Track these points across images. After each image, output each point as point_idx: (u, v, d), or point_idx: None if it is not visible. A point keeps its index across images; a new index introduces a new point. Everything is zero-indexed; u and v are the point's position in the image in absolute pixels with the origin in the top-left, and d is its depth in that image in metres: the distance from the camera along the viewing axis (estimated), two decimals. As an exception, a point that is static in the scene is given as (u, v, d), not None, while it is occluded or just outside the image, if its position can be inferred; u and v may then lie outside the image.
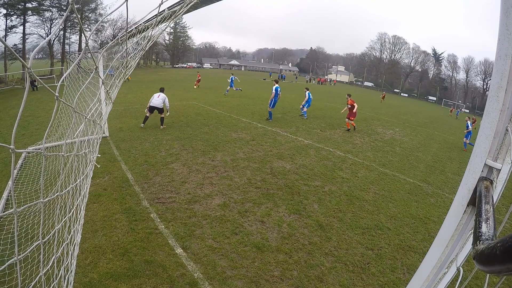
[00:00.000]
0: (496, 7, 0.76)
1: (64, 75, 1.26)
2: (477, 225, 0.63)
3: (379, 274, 3.14)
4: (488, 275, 0.67)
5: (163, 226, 3.68)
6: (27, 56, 29.09)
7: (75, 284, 2.67)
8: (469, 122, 11.01)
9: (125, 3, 1.32)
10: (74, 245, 1.52)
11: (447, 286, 0.95)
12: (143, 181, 4.96)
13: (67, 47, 34.93)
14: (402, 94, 63.22)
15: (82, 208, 1.71)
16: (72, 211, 1.49)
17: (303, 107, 12.44)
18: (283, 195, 4.81)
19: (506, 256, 0.35)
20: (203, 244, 3.39)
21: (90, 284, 2.69)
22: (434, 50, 69.81)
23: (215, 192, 4.73)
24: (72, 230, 1.55)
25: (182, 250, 3.25)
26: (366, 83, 69.25)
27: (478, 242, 0.57)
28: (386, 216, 4.44)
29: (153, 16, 3.75)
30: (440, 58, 69.87)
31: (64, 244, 1.39)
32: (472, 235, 0.65)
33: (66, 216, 1.41)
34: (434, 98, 58.37)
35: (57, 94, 0.98)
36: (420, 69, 71.90)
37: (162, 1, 1.93)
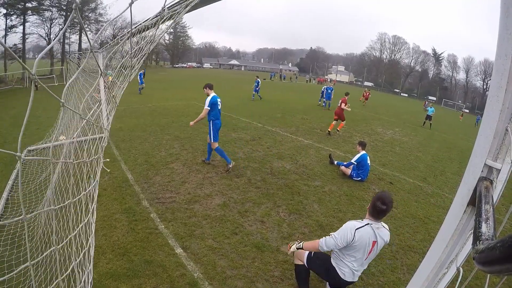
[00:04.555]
0: (496, 7, 0.76)
1: (69, 81, 1.26)
2: (477, 225, 0.63)
3: (379, 274, 3.14)
4: (488, 275, 0.67)
5: (163, 226, 3.68)
6: (26, 56, 29.08)
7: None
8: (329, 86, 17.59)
9: (129, 8, 1.32)
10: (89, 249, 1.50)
11: (447, 286, 0.95)
12: (143, 181, 4.96)
13: (67, 46, 34.95)
14: (402, 94, 63.22)
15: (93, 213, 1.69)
16: (87, 217, 1.48)
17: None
18: (283, 195, 4.81)
19: (506, 256, 0.35)
20: (203, 244, 3.39)
21: (90, 284, 2.68)
22: (434, 50, 69.84)
23: (215, 192, 4.73)
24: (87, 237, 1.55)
25: (182, 250, 3.25)
26: (366, 83, 69.21)
27: (478, 242, 0.57)
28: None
29: (153, 16, 3.74)
30: (440, 58, 69.85)
31: (84, 250, 1.38)
32: (472, 235, 0.65)
33: (82, 222, 1.41)
34: (434, 98, 58.33)
35: (62, 100, 0.98)
36: (420, 69, 71.88)
37: (165, 3, 1.93)
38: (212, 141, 5.48)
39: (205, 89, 5.51)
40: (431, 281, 0.97)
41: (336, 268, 2.35)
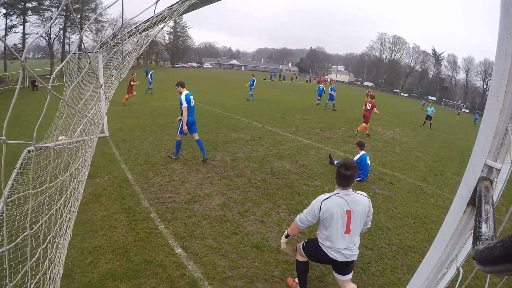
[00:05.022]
0: (496, 7, 0.76)
1: (74, 83, 1.27)
2: (477, 225, 0.63)
3: (379, 274, 3.14)
4: (488, 275, 0.67)
5: (163, 226, 3.68)
6: (26, 56, 29.04)
7: (75, 284, 2.68)
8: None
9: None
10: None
11: (447, 286, 0.95)
12: (143, 181, 4.96)
13: (67, 47, 34.91)
14: (402, 94, 63.21)
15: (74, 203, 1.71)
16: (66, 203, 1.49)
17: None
18: (283, 195, 4.81)
19: (506, 256, 0.35)
20: (203, 244, 3.39)
21: (90, 284, 2.69)
22: (434, 50, 69.85)
23: (215, 192, 4.72)
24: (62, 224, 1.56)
25: (182, 250, 3.25)
26: (366, 83, 69.21)
27: (478, 242, 0.57)
28: (386, 216, 4.45)
29: (153, 16, 3.74)
30: (440, 58, 69.86)
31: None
32: (472, 235, 0.65)
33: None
34: (434, 98, 58.29)
35: (49, 86, 0.99)
36: (420, 69, 71.90)
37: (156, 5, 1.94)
38: (178, 133, 5.83)
39: (177, 88, 5.71)
40: (431, 281, 0.97)
41: (325, 250, 2.32)
